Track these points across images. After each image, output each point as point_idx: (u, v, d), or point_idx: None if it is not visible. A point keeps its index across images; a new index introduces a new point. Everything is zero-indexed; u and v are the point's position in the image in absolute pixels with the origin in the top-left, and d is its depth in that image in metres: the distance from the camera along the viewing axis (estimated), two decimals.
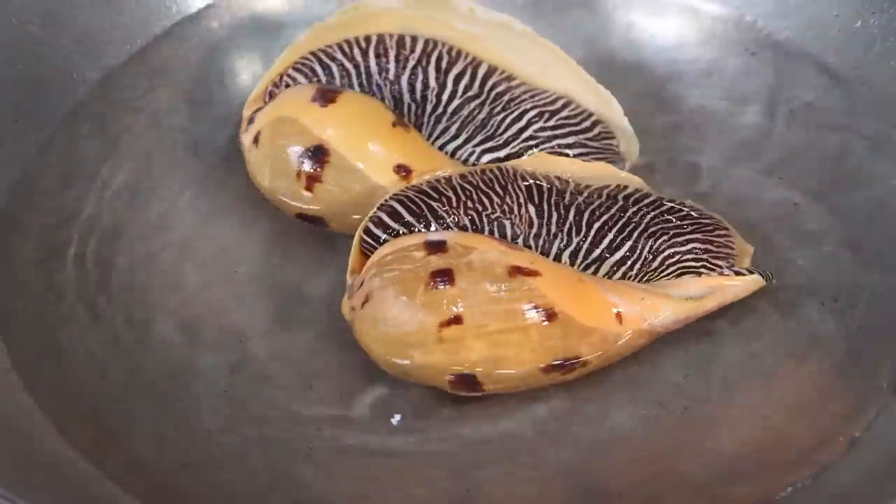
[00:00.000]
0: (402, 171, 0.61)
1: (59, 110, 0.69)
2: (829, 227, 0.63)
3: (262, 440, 0.56)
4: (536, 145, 0.63)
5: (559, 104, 0.65)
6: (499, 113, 0.65)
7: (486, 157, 0.63)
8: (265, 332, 0.60)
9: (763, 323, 0.59)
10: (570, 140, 0.64)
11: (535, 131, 0.64)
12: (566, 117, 0.64)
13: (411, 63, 0.66)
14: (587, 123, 0.65)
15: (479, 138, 0.64)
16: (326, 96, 0.62)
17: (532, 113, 0.65)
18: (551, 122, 0.64)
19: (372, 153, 0.61)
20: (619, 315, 0.55)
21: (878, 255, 0.62)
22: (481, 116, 0.65)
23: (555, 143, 0.64)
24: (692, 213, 0.60)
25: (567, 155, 0.63)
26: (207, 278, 0.62)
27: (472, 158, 0.64)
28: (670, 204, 0.61)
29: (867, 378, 0.57)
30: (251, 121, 0.64)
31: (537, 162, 0.61)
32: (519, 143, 0.64)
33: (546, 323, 0.54)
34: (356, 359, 0.58)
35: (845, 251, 0.62)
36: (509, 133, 0.64)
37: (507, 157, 0.63)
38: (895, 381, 0.57)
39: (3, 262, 0.63)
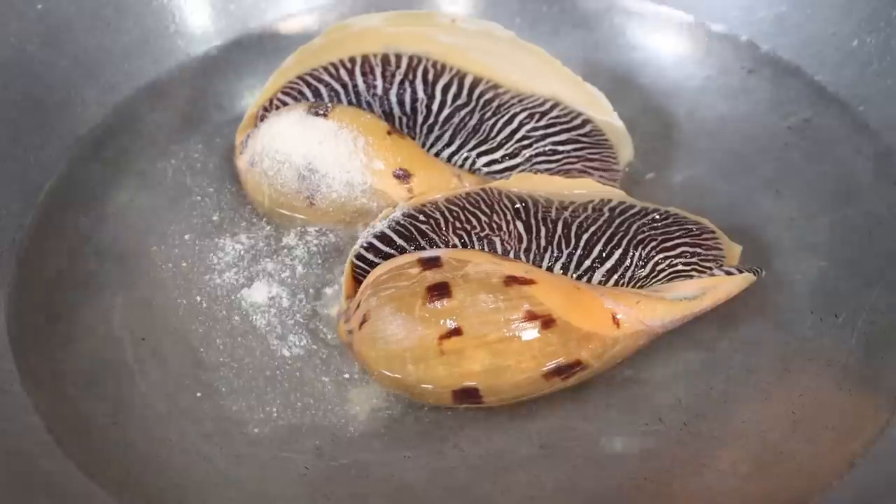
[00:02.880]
0: (402, 174, 0.61)
1: (58, 130, 0.69)
2: (827, 242, 0.63)
3: (257, 460, 0.56)
4: (530, 145, 0.64)
5: (548, 105, 0.66)
6: (489, 118, 0.65)
7: (483, 160, 0.64)
8: (262, 352, 0.60)
9: (762, 338, 0.59)
10: (563, 137, 0.64)
11: (528, 132, 0.65)
12: (556, 117, 0.65)
13: (398, 78, 0.67)
14: (578, 121, 0.65)
15: (472, 143, 0.65)
16: (319, 112, 0.62)
17: (522, 115, 0.65)
18: (542, 122, 0.65)
19: (371, 160, 0.61)
20: (616, 319, 0.55)
21: (877, 271, 0.62)
22: (472, 123, 0.65)
23: (548, 141, 0.64)
24: (678, 218, 0.61)
25: (560, 152, 0.64)
26: (203, 297, 0.62)
27: (468, 163, 0.64)
28: (655, 212, 0.61)
29: (867, 394, 0.57)
30: (245, 145, 0.65)
31: (520, 182, 0.62)
32: (513, 144, 0.64)
33: (545, 329, 0.54)
34: (353, 378, 0.58)
35: (843, 267, 0.62)
36: (502, 136, 0.65)
37: (503, 158, 0.64)
38: (895, 398, 0.56)
39: (6, 283, 0.63)
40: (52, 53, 0.71)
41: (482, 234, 0.59)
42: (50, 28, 0.71)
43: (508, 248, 0.59)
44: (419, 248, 0.58)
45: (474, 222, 0.59)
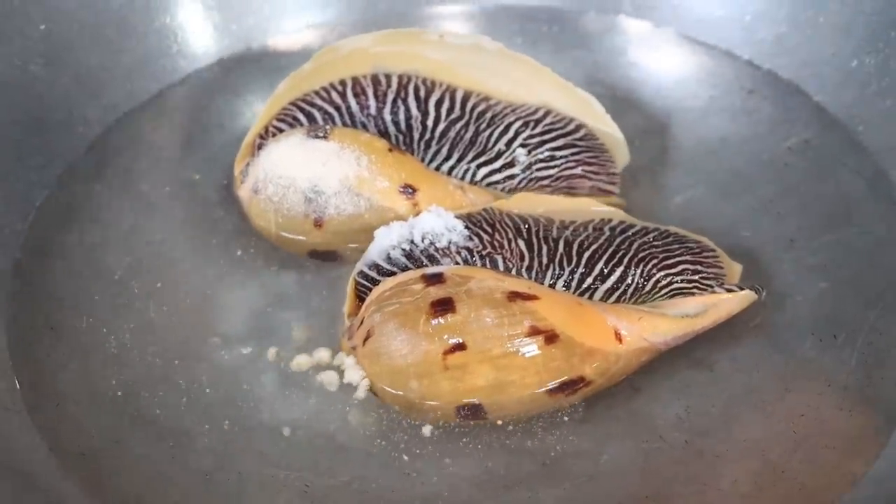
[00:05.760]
0: (408, 190, 0.61)
1: (60, 149, 0.70)
2: (827, 263, 0.63)
3: (258, 478, 0.55)
4: (528, 152, 0.64)
5: (541, 113, 0.66)
6: (485, 129, 0.66)
7: (483, 171, 0.65)
8: (260, 369, 0.60)
9: (762, 358, 0.59)
10: (560, 143, 0.65)
11: (525, 139, 0.65)
12: (551, 123, 0.66)
13: (390, 97, 0.67)
14: (572, 126, 0.66)
15: (471, 155, 0.65)
16: (319, 134, 0.63)
17: (517, 124, 0.66)
18: (538, 129, 0.66)
19: (375, 179, 0.62)
20: (618, 334, 0.55)
21: (877, 292, 0.62)
22: (468, 135, 0.66)
23: (545, 147, 0.65)
24: (678, 237, 0.61)
25: (558, 157, 0.64)
26: (202, 318, 0.62)
27: (469, 175, 0.65)
28: (656, 231, 0.61)
29: (867, 414, 0.57)
30: (245, 174, 0.65)
31: (521, 202, 0.62)
32: (511, 153, 0.65)
33: (548, 345, 0.54)
34: (355, 393, 0.58)
35: (843, 288, 0.62)
36: (500, 145, 0.65)
37: (503, 168, 0.65)
38: (895, 418, 0.56)
39: (8, 302, 0.63)
40: (55, 73, 0.71)
41: (484, 253, 0.59)
42: (52, 47, 0.71)
43: (510, 265, 0.59)
44: (421, 265, 0.58)
45: (476, 241, 0.59)
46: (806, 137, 0.70)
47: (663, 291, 0.59)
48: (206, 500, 0.55)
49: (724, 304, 0.57)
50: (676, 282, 0.59)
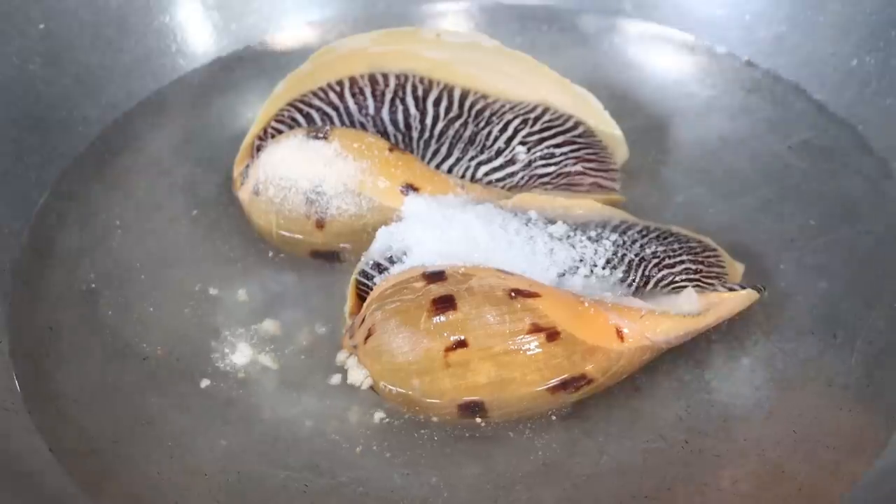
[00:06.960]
0: (410, 189, 0.61)
1: (59, 148, 0.69)
2: (827, 262, 0.63)
3: (258, 477, 0.55)
4: (528, 150, 0.64)
5: (539, 110, 0.66)
6: (484, 128, 0.66)
7: (483, 169, 0.65)
8: (260, 369, 0.60)
9: (762, 357, 0.59)
10: (559, 140, 0.65)
11: (524, 137, 0.65)
12: (549, 121, 0.66)
13: (388, 97, 0.67)
14: (570, 123, 0.66)
15: (470, 154, 0.65)
16: (319, 135, 0.63)
17: (516, 122, 0.66)
18: (537, 127, 0.66)
19: (377, 179, 0.61)
20: (620, 333, 0.55)
21: (877, 291, 0.62)
22: (467, 134, 0.66)
23: (544, 145, 0.65)
24: (680, 236, 0.61)
25: (558, 155, 0.65)
26: (204, 317, 0.62)
27: (469, 173, 0.65)
28: (657, 231, 0.61)
29: (868, 413, 0.57)
30: (245, 176, 0.65)
31: (522, 202, 0.62)
32: (510, 151, 0.65)
33: (550, 342, 0.54)
34: (355, 393, 0.58)
35: (843, 287, 0.62)
36: (499, 143, 0.65)
37: (503, 165, 0.65)
38: (895, 417, 0.56)
39: (8, 302, 0.63)
40: (54, 72, 0.71)
41: None
42: (52, 47, 0.71)
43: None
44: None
45: None
46: (806, 137, 0.70)
47: (664, 291, 0.59)
48: (206, 500, 0.55)
49: (726, 302, 0.57)
50: (677, 281, 0.59)
